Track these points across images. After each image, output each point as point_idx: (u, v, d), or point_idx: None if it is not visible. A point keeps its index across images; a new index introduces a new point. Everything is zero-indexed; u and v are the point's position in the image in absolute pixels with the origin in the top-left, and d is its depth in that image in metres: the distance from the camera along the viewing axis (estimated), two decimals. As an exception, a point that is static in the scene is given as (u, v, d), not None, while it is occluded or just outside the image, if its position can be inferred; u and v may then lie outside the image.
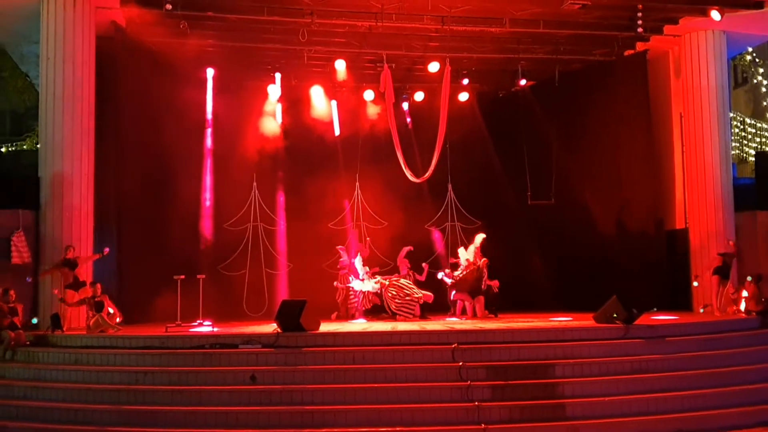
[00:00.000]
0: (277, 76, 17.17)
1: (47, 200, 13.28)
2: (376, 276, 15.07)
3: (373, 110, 18.07)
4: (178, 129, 15.63)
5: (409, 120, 18.82)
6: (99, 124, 13.91)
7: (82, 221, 13.38)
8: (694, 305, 14.74)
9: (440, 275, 15.17)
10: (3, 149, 22.61)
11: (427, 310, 14.81)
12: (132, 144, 14.72)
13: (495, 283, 15.12)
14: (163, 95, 15.31)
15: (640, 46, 16.32)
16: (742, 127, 23.15)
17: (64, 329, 11.97)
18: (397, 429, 8.70)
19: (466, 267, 14.84)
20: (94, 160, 13.74)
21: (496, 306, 14.97)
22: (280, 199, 17.85)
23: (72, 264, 12.40)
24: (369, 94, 18.08)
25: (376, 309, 14.88)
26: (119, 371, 9.96)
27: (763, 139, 23.22)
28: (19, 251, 12.91)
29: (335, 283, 15.56)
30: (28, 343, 11.41)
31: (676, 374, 9.93)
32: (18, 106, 25.05)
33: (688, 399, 9.43)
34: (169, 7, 13.50)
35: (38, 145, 14.03)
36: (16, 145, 24.41)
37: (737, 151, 22.56)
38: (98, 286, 12.41)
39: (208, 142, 16.83)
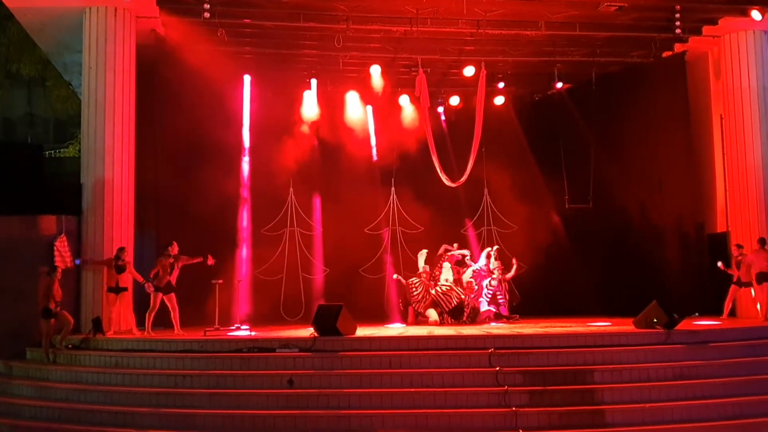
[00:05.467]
0: (313, 81, 17.31)
1: (89, 206, 13.51)
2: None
3: (408, 115, 18.09)
4: (216, 135, 15.78)
5: (444, 124, 18.79)
6: (139, 131, 14.13)
7: (123, 226, 13.59)
8: (738, 310, 14.46)
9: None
10: (47, 156, 23.06)
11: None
12: (171, 150, 14.96)
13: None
14: (202, 102, 15.47)
15: (678, 47, 16.12)
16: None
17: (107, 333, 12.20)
18: (434, 434, 8.69)
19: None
20: (135, 166, 13.96)
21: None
22: (316, 204, 17.92)
23: (120, 269, 12.57)
24: (404, 99, 18.11)
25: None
26: (159, 374, 10.09)
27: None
28: (62, 255, 13.14)
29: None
30: (69, 347, 11.62)
31: (719, 381, 9.73)
32: (61, 114, 25.66)
33: (732, 406, 9.24)
34: (207, 15, 13.72)
35: (80, 152, 14.28)
36: (59, 152, 24.94)
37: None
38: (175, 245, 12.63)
39: (246, 148, 16.95)
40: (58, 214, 13.36)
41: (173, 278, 12.42)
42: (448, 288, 14.55)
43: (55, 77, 21.70)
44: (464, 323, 14.29)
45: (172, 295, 12.37)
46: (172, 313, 12.38)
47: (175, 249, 12.57)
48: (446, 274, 14.91)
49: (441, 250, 15.40)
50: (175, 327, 12.33)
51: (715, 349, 10.46)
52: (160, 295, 12.27)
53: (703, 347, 10.44)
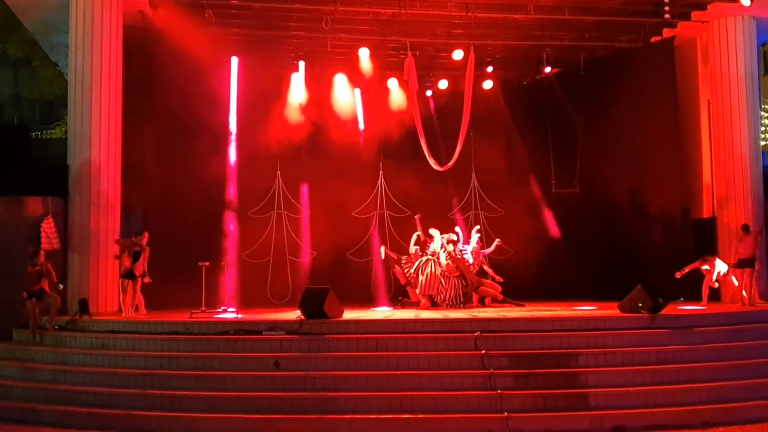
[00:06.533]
0: (301, 64, 17.22)
1: (75, 188, 13.43)
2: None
3: (396, 98, 18.04)
4: (203, 117, 15.69)
5: (432, 108, 18.74)
6: (126, 113, 14.04)
7: (110, 208, 13.53)
8: (722, 295, 14.57)
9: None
10: (33, 137, 22.88)
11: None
12: (158, 132, 14.90)
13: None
14: (189, 83, 15.35)
15: (667, 32, 16.13)
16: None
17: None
18: (420, 416, 8.72)
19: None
20: (122, 148, 13.88)
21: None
22: (304, 187, 17.85)
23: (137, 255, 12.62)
24: (393, 82, 18.05)
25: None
26: (145, 356, 10.10)
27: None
28: (48, 237, 13.08)
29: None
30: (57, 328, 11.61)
31: (703, 365, 9.83)
32: (48, 96, 25.48)
33: (716, 390, 9.33)
34: (194, -5, 13.65)
35: (67, 134, 14.19)
36: (46, 133, 24.77)
37: (766, 140, 22.24)
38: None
39: (233, 130, 16.84)
40: (44, 196, 13.29)
41: (136, 266, 12.44)
42: (447, 274, 14.54)
43: (41, 58, 21.55)
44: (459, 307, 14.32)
45: (139, 280, 12.45)
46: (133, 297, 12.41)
47: (145, 239, 12.64)
48: (436, 244, 14.88)
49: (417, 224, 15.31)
50: (124, 310, 12.38)
51: (699, 333, 10.55)
52: (129, 282, 12.32)
53: (687, 332, 10.52)
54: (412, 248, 15.13)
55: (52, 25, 15.03)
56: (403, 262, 15.08)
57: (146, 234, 12.72)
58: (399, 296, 15.48)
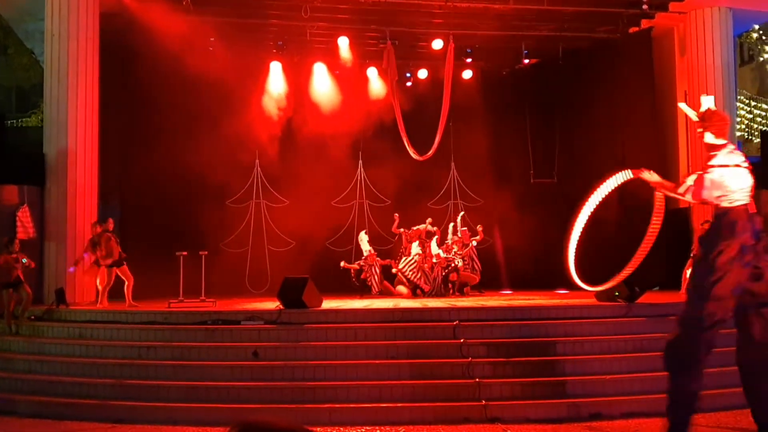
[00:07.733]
0: (280, 52, 17.11)
1: (52, 176, 13.33)
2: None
3: (376, 87, 18.00)
4: (182, 106, 15.61)
5: (412, 98, 18.67)
6: (103, 101, 13.91)
7: (86, 197, 13.44)
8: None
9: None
10: (8, 126, 22.60)
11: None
12: (135, 120, 14.76)
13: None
14: (167, 71, 15.26)
15: (645, 23, 16.23)
16: (747, 105, 23.05)
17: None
18: (399, 405, 8.74)
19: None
20: (99, 136, 13.75)
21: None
22: (283, 176, 17.80)
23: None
24: (372, 72, 18.00)
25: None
26: (122, 346, 10.04)
27: (769, 118, 23.11)
28: (24, 226, 12.97)
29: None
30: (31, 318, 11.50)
31: (678, 353, 9.91)
32: (23, 83, 25.14)
33: (690, 378, 9.42)
34: (172, -17, 13.51)
35: (43, 122, 14.05)
36: (21, 121, 24.47)
37: (742, 130, 22.46)
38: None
39: (212, 119, 16.72)
40: (20, 185, 13.17)
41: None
42: (414, 265, 14.60)
43: (16, 45, 21.27)
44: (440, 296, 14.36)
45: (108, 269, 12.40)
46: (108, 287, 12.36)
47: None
48: (415, 249, 14.95)
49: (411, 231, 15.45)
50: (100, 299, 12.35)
51: (675, 322, 10.61)
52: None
53: (663, 320, 10.59)
54: (366, 249, 15.25)
55: (27, 11, 14.86)
56: (360, 264, 15.25)
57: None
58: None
